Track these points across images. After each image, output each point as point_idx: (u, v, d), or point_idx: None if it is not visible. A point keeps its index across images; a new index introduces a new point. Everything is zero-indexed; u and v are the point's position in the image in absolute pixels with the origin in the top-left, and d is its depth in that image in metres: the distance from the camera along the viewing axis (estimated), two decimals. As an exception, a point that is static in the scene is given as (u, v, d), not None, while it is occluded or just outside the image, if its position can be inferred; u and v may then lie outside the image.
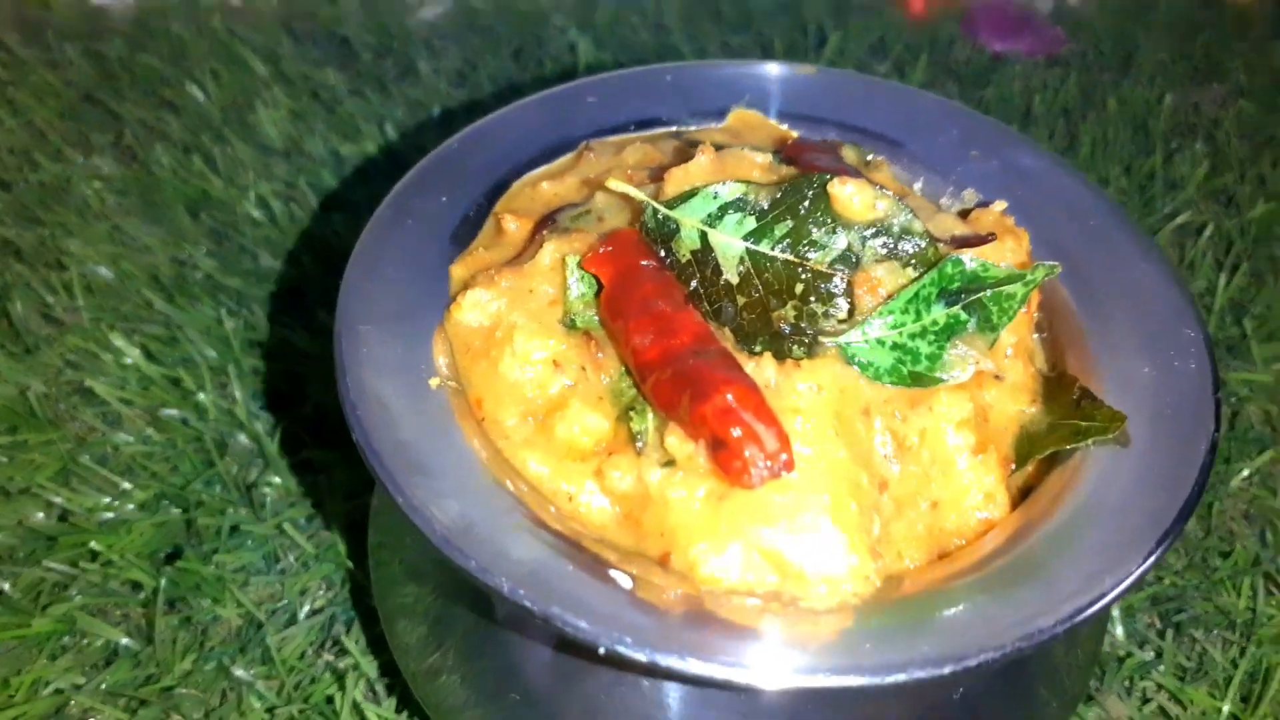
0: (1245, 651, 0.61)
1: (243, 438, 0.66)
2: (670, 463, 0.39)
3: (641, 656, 0.34)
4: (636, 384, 0.41)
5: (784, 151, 0.49)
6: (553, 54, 0.95)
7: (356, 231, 0.47)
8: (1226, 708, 0.59)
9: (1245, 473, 0.70)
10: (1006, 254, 0.45)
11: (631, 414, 0.41)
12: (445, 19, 0.97)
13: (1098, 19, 1.08)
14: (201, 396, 0.68)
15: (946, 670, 0.33)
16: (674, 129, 0.55)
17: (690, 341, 0.40)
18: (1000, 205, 0.48)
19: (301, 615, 0.60)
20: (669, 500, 0.39)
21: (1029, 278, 0.42)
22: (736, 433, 0.36)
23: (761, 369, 0.40)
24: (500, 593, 0.35)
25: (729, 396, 0.37)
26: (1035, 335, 0.48)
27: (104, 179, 0.81)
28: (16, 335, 0.71)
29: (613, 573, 0.37)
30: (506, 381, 0.43)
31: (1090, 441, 0.42)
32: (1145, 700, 0.59)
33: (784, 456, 0.36)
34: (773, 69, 0.57)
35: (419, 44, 0.94)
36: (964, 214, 0.48)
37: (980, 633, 0.35)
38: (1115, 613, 0.63)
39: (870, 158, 0.53)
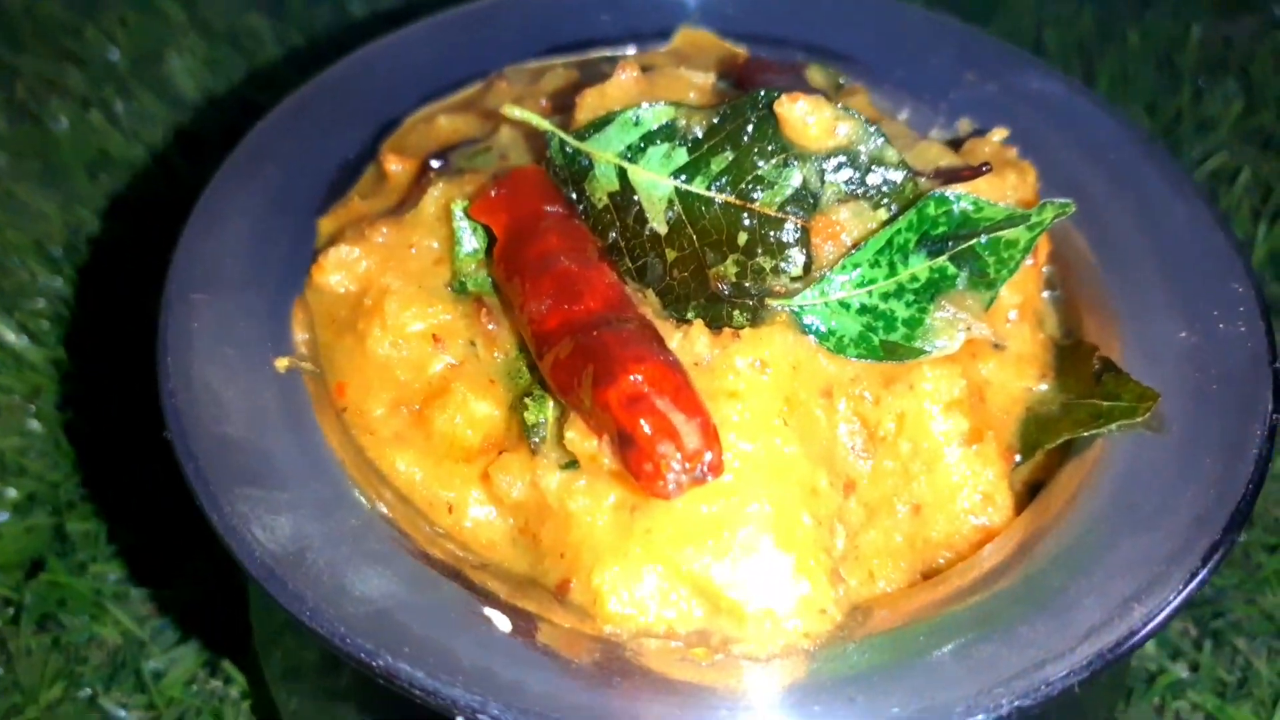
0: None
1: (127, 429, 0.58)
2: (571, 464, 0.30)
3: (510, 729, 0.25)
4: (532, 360, 0.32)
5: (734, 73, 0.40)
6: None
7: None
8: (1277, 729, 0.50)
9: (1290, 452, 0.61)
10: (1007, 191, 0.36)
11: (527, 402, 0.32)
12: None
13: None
14: (84, 383, 0.59)
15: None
16: (608, 54, 0.46)
17: (598, 308, 0.31)
18: (1000, 133, 0.39)
19: (190, 635, 0.51)
20: (569, 512, 0.30)
21: (1035, 219, 0.32)
22: (647, 426, 0.27)
23: (691, 342, 0.31)
24: (330, 642, 0.26)
25: (638, 378, 0.28)
26: (1045, 294, 0.39)
27: (-2, 140, 0.72)
28: (-120, 316, 0.62)
29: (488, 611, 0.28)
30: (375, 361, 0.34)
31: (1114, 426, 0.33)
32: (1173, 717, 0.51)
33: (709, 457, 0.27)
34: (727, -19, 0.48)
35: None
36: (955, 145, 0.39)
37: (969, 686, 0.26)
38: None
39: (843, 82, 0.43)
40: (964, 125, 0.43)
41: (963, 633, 0.28)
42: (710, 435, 0.28)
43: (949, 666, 0.27)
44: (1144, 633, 0.28)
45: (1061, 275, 0.39)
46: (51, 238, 0.67)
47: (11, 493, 0.56)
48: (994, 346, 0.36)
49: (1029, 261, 0.36)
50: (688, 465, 0.27)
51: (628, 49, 0.47)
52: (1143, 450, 0.33)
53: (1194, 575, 0.29)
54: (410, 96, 0.43)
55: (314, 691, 0.40)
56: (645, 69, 0.42)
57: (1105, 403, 0.34)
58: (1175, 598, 0.28)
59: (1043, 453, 0.34)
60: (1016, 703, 0.26)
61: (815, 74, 0.43)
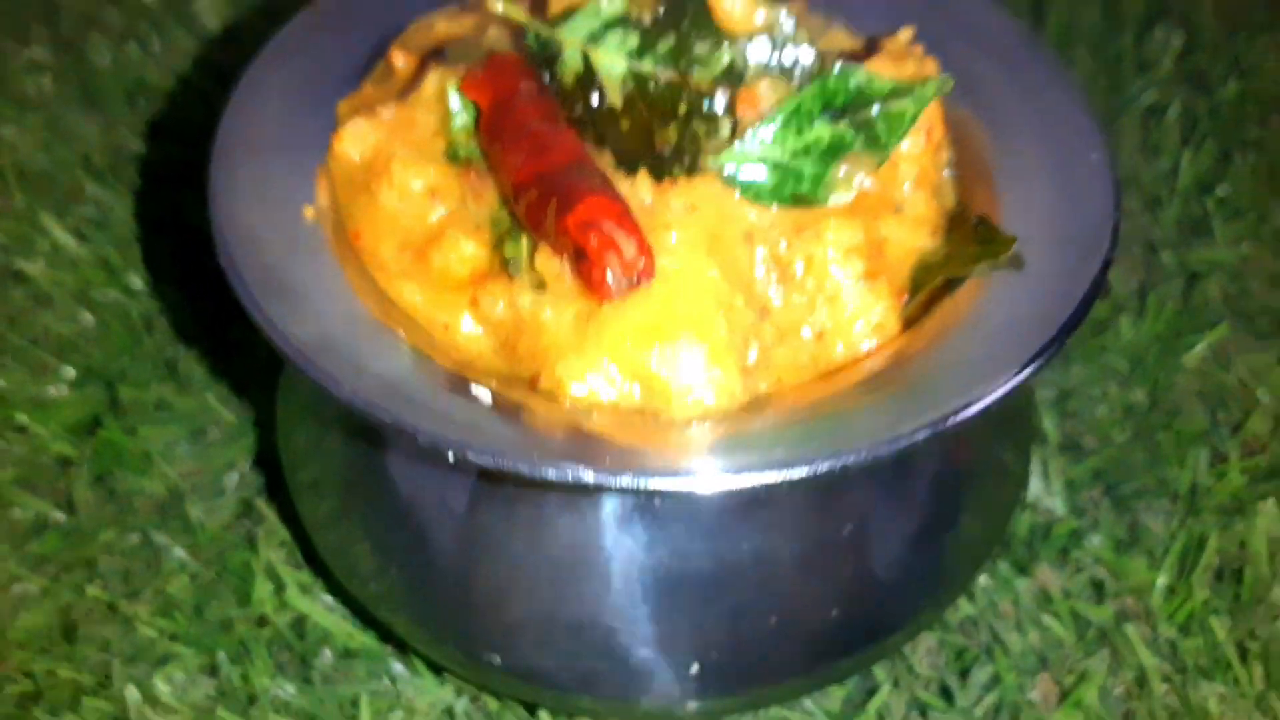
0: (1184, 523, 0.60)
1: (171, 316, 0.66)
2: (540, 285, 0.38)
3: (488, 462, 0.33)
4: (510, 209, 0.40)
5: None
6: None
7: None
8: (1162, 580, 0.57)
9: (1198, 348, 0.68)
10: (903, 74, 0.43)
11: (506, 241, 0.40)
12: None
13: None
14: (131, 276, 0.67)
15: (784, 474, 0.32)
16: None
17: (564, 160, 0.39)
18: (907, 32, 0.46)
19: (228, 487, 0.60)
20: (540, 322, 0.38)
21: (919, 93, 0.40)
22: (594, 242, 0.35)
23: (637, 189, 0.39)
24: (352, 403, 0.34)
25: (589, 207, 0.36)
26: (947, 171, 0.47)
27: (41, 68, 0.80)
28: (-53, 220, 0.70)
29: (476, 390, 0.36)
30: (385, 213, 0.42)
31: (983, 264, 0.40)
32: (1079, 570, 0.58)
33: (642, 263, 0.35)
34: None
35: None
36: (870, 44, 0.47)
37: (840, 440, 0.34)
38: (1057, 484, 0.61)
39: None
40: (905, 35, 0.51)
41: (842, 405, 0.36)
42: (644, 248, 0.35)
43: (828, 428, 0.35)
44: (978, 406, 0.35)
45: (959, 155, 0.47)
46: (95, 155, 0.75)
47: (69, 371, 0.64)
48: (894, 210, 0.43)
49: (923, 140, 0.43)
50: (627, 270, 0.35)
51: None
52: (1005, 284, 0.40)
53: (1025, 367, 0.36)
54: (415, 5, 0.51)
55: (332, 506, 0.48)
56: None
57: (981, 248, 0.41)
58: (1008, 382, 0.36)
59: (926, 291, 0.42)
60: (873, 450, 0.34)
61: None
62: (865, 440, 0.34)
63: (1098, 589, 0.57)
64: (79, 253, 0.68)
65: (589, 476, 0.32)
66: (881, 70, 0.42)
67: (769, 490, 0.34)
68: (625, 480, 0.32)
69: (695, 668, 0.42)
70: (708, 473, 0.33)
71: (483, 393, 0.36)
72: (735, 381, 0.36)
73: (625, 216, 0.36)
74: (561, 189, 0.37)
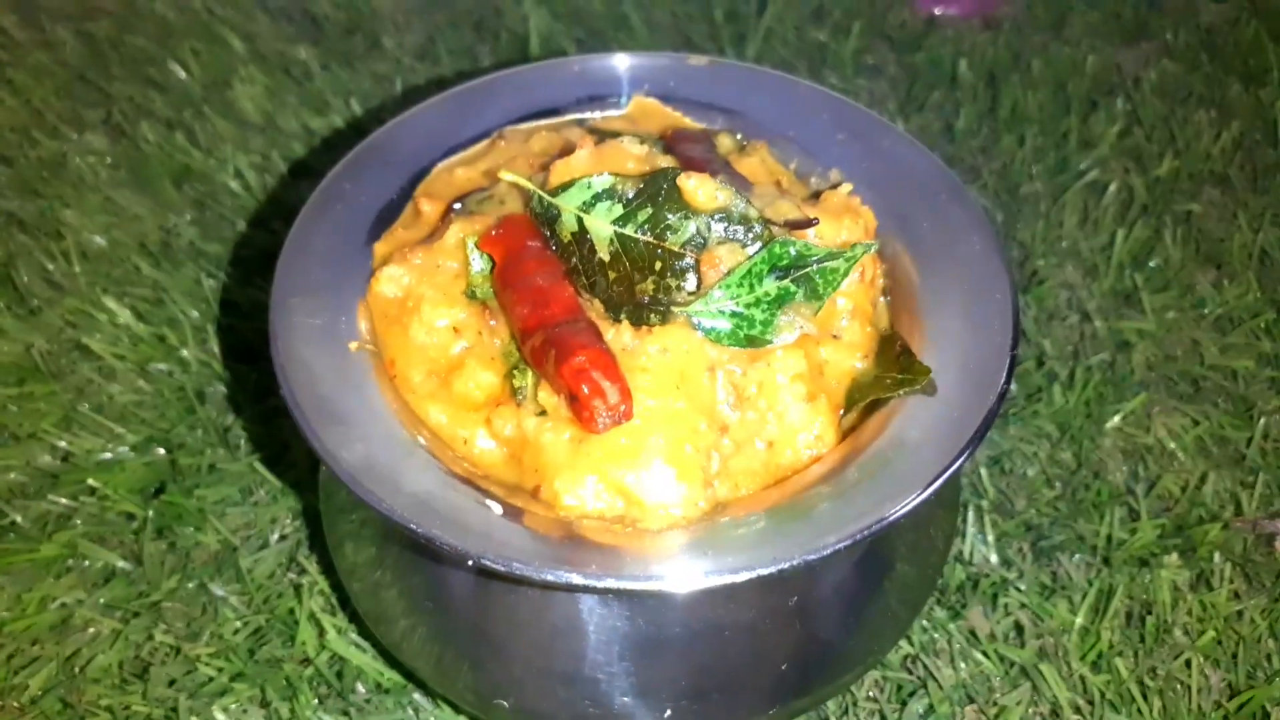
0: (1099, 573, 0.69)
1: (220, 387, 0.75)
2: (543, 412, 0.48)
3: (501, 568, 0.42)
4: (518, 347, 0.49)
5: (665, 140, 0.57)
6: (509, 25, 1.02)
7: None
8: (1079, 620, 0.67)
9: (1121, 414, 0.77)
10: (844, 231, 0.53)
11: (515, 373, 0.49)
12: (410, -7, 1.04)
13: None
14: (184, 352, 0.77)
15: (734, 578, 0.42)
16: (580, 116, 0.63)
17: (561, 313, 0.48)
18: (846, 188, 0.55)
19: (271, 541, 0.69)
20: (541, 443, 0.47)
21: (849, 255, 0.49)
22: (585, 389, 0.45)
23: (620, 335, 0.48)
24: (391, 519, 0.44)
25: (582, 359, 0.45)
26: (882, 299, 0.56)
27: (96, 153, 0.89)
28: (21, 299, 0.80)
29: (489, 502, 0.46)
30: (415, 344, 0.51)
31: (903, 391, 0.50)
32: (1007, 614, 0.68)
33: (623, 408, 0.45)
34: (670, 60, 0.64)
35: (385, 20, 1.01)
36: (817, 195, 0.56)
37: (793, 544, 0.43)
38: (990, 538, 0.71)
39: (745, 143, 0.60)
40: (835, 174, 0.60)
41: (791, 513, 0.45)
42: (625, 394, 0.45)
43: (779, 532, 0.44)
44: (891, 518, 0.44)
45: (891, 284, 0.56)
46: (148, 236, 0.84)
47: (131, 437, 0.74)
48: (833, 336, 0.53)
49: (856, 277, 0.53)
50: (611, 413, 0.44)
51: (595, 113, 0.63)
52: (921, 406, 0.49)
53: (931, 484, 0.45)
54: (436, 151, 0.60)
55: (369, 575, 0.57)
56: (602, 134, 0.59)
57: (900, 375, 0.51)
58: (919, 496, 0.45)
59: (858, 407, 0.51)
60: (802, 558, 0.43)
61: (724, 139, 0.59)
62: (801, 550, 0.43)
63: (1020, 631, 0.67)
64: (137, 329, 0.78)
65: (578, 580, 0.42)
66: (825, 229, 0.51)
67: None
68: (610, 583, 0.42)
69: (668, 712, 0.52)
70: (678, 576, 0.42)
71: (495, 505, 0.45)
72: (699, 495, 0.46)
73: (611, 367, 0.45)
74: (559, 340, 0.46)
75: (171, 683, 0.62)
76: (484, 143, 0.61)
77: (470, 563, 0.43)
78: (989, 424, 0.48)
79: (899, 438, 0.48)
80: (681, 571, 0.43)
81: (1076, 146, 0.95)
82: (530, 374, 0.49)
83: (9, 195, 0.86)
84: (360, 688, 0.62)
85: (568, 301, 0.48)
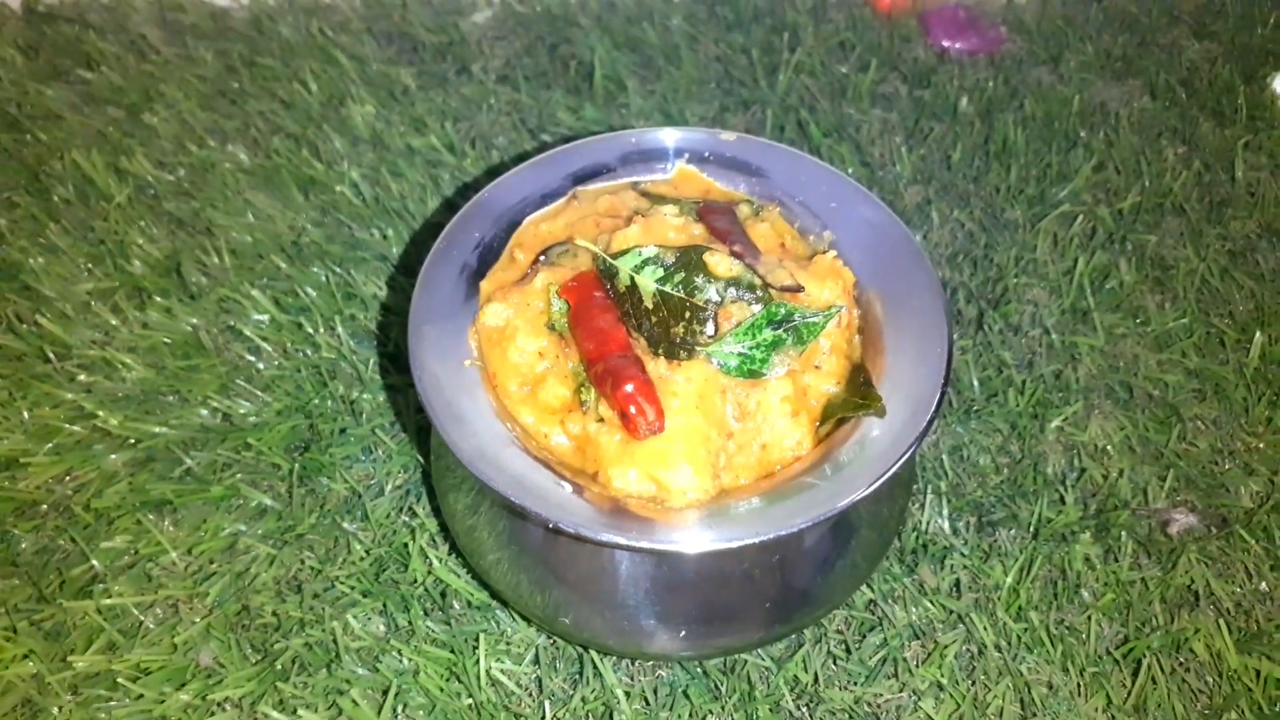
0: (1029, 544, 0.88)
1: (346, 367, 0.95)
2: (601, 420, 0.67)
3: (569, 529, 0.62)
4: (585, 371, 0.69)
5: (698, 211, 0.75)
6: (577, 53, 1.20)
7: (425, 211, 0.74)
8: (1008, 580, 0.86)
9: (1063, 416, 0.95)
10: (826, 289, 0.71)
11: (582, 389, 0.69)
12: (493, 21, 1.21)
13: (1040, 18, 1.28)
14: (316, 336, 0.97)
15: (730, 545, 0.62)
16: (635, 180, 0.81)
17: (616, 349, 0.67)
18: (831, 254, 0.74)
19: (388, 490, 0.90)
20: (599, 442, 0.67)
21: (827, 314, 0.68)
22: (633, 409, 0.64)
23: (658, 366, 0.67)
24: (498, 494, 0.64)
25: (630, 387, 0.65)
26: (857, 337, 0.75)
27: (237, 163, 1.08)
28: (184, 287, 1.00)
29: (562, 482, 0.66)
30: (510, 363, 0.71)
31: (863, 413, 0.69)
32: (951, 572, 0.87)
33: (658, 424, 0.64)
34: (706, 135, 0.83)
35: (472, 45, 1.19)
36: (813, 256, 0.74)
37: (780, 519, 0.63)
38: (945, 512, 0.90)
39: (760, 209, 0.78)
40: (828, 235, 0.78)
41: (776, 498, 0.64)
42: (660, 414, 0.64)
43: (767, 513, 0.64)
44: (844, 505, 0.64)
45: (864, 325, 0.75)
46: (282, 237, 1.04)
47: (276, 404, 0.94)
48: (816, 367, 0.72)
49: (835, 324, 0.71)
50: (649, 427, 0.64)
51: (646, 176, 0.82)
52: (875, 423, 0.68)
53: (872, 483, 0.65)
54: (526, 206, 0.79)
55: (467, 520, 0.77)
56: (651, 197, 0.78)
57: (861, 400, 0.69)
58: (864, 491, 0.64)
59: (830, 423, 0.70)
60: (788, 531, 0.63)
61: (743, 207, 0.78)
62: (778, 527, 0.63)
63: (960, 586, 0.86)
64: (278, 316, 0.98)
65: (623, 541, 0.62)
66: (811, 289, 0.70)
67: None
68: (645, 544, 0.62)
69: (683, 633, 0.72)
70: (692, 541, 0.62)
71: (566, 485, 0.65)
72: (709, 484, 0.65)
73: (650, 394, 0.65)
74: (615, 370, 0.66)
75: (316, 595, 0.83)
76: (561, 201, 0.80)
77: (549, 526, 0.63)
78: (919, 441, 0.67)
79: (858, 446, 0.67)
80: (695, 538, 0.62)
81: (1055, 179, 1.12)
82: (593, 391, 0.68)
83: (170, 198, 1.06)
84: (456, 605, 0.83)
85: (621, 340, 0.68)
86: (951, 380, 0.70)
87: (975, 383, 0.97)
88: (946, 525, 0.89)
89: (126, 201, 1.06)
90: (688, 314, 0.68)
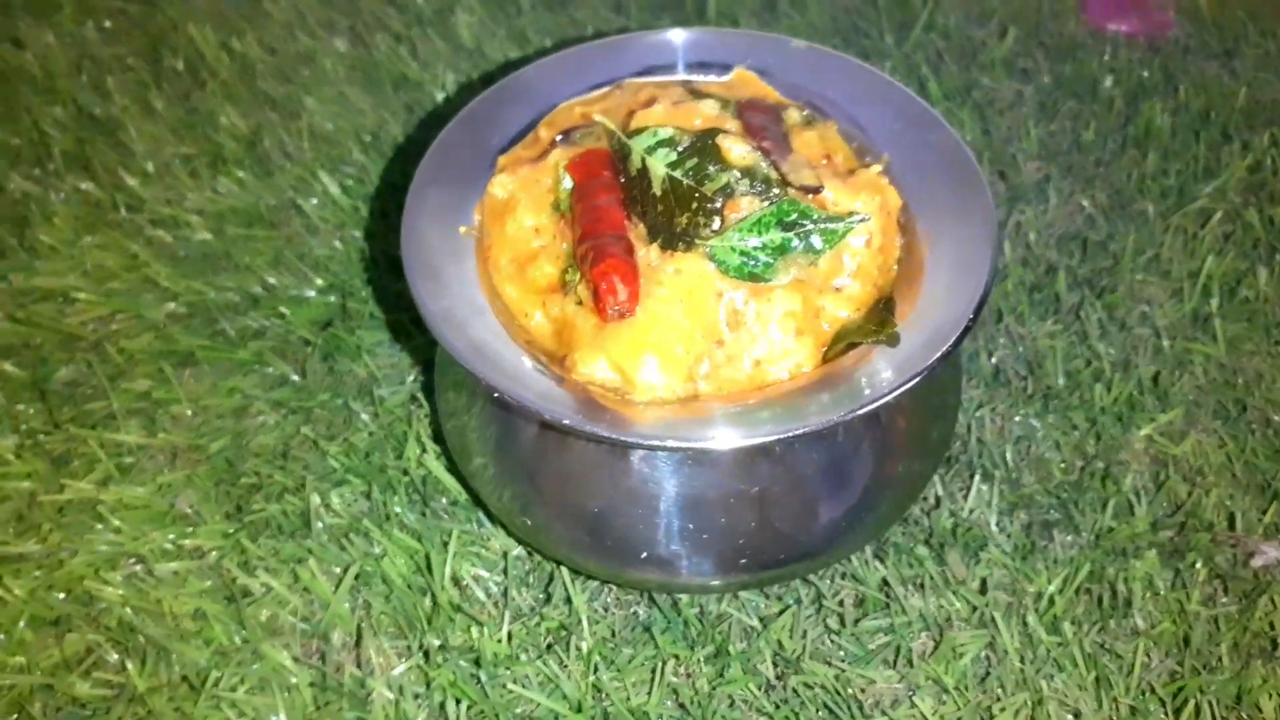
0: (1081, 551, 0.77)
1: (394, 258, 0.94)
2: (580, 303, 0.62)
3: (515, 401, 0.57)
4: (574, 251, 0.64)
5: (737, 106, 0.69)
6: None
7: None
8: (1048, 588, 0.75)
9: (1156, 424, 0.84)
10: (859, 203, 0.64)
11: (569, 270, 0.64)
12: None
13: (1219, 7, 1.15)
14: (372, 224, 0.96)
15: (699, 445, 0.55)
16: (689, 79, 0.76)
17: (609, 229, 0.62)
18: (876, 168, 0.66)
19: (406, 381, 0.87)
20: (575, 325, 0.62)
21: (846, 222, 0.61)
22: (604, 286, 0.59)
23: (649, 254, 0.62)
24: (455, 355, 0.59)
25: (608, 263, 0.59)
26: (895, 268, 0.67)
27: (338, 55, 1.09)
28: (260, 161, 1.01)
29: (523, 358, 0.61)
30: (507, 235, 0.66)
31: (873, 339, 0.61)
32: (985, 566, 0.77)
33: (627, 306, 0.58)
34: (775, 41, 0.76)
35: (593, -31, 1.17)
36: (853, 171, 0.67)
37: (760, 426, 0.56)
38: (992, 502, 0.80)
39: (811, 119, 0.71)
40: (885, 158, 0.70)
41: (784, 401, 0.58)
42: (633, 297, 0.59)
43: (778, 413, 0.57)
44: (839, 418, 0.56)
45: (905, 259, 0.67)
46: (364, 128, 1.04)
47: (319, 282, 0.94)
48: (834, 289, 0.64)
49: (863, 244, 0.64)
50: (618, 308, 0.58)
51: (703, 76, 0.76)
52: (886, 351, 0.60)
53: (865, 406, 0.57)
54: (569, 90, 0.75)
55: (458, 418, 0.73)
56: (700, 95, 0.72)
57: (874, 326, 0.62)
58: (860, 410, 0.57)
59: (839, 347, 0.63)
60: (774, 435, 0.56)
61: (792, 112, 0.71)
62: (741, 435, 0.56)
63: (991, 584, 0.76)
64: (341, 201, 0.98)
65: (567, 420, 0.56)
66: (836, 192, 0.63)
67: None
68: (589, 428, 0.56)
69: (645, 554, 0.66)
70: (643, 431, 0.56)
71: (527, 361, 0.60)
72: (678, 385, 0.59)
73: (628, 274, 0.59)
74: (599, 248, 0.61)
75: (306, 466, 0.81)
76: (605, 89, 0.75)
77: (495, 395, 0.58)
78: (913, 378, 0.58)
79: (865, 370, 0.60)
80: (644, 430, 0.56)
81: (1200, 174, 0.99)
82: (578, 273, 0.63)
83: (268, 80, 1.08)
84: (442, 500, 0.79)
85: (616, 221, 0.62)
86: (981, 318, 0.61)
87: (1060, 372, 0.87)
88: (992, 517, 0.79)
89: (229, 77, 1.08)
90: (695, 204, 0.62)
